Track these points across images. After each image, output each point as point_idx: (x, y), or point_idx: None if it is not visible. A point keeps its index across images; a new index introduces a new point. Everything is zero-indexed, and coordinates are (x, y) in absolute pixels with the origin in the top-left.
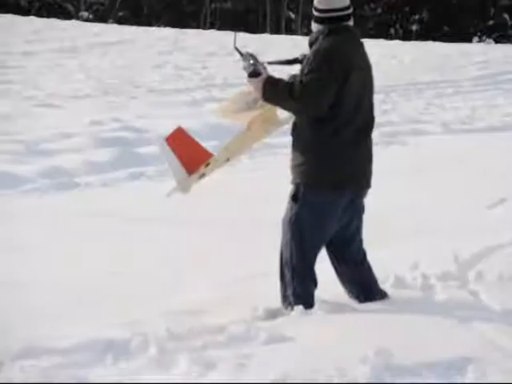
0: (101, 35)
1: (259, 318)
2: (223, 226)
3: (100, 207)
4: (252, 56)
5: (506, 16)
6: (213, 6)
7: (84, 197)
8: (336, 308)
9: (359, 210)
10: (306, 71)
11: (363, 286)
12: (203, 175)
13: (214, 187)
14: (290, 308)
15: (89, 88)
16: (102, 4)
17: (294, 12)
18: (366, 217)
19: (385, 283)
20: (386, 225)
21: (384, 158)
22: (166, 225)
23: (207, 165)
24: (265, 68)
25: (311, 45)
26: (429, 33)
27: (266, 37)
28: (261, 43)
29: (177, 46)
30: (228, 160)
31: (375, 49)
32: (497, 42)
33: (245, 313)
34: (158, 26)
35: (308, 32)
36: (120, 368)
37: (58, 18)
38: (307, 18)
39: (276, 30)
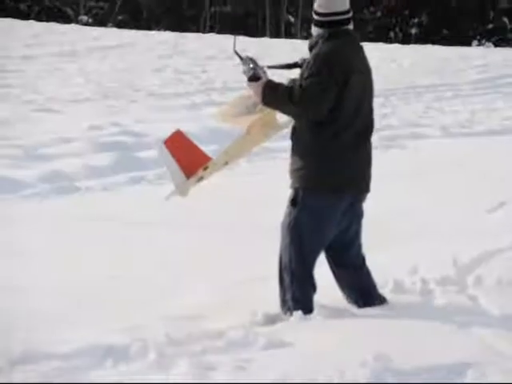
0: (100, 39)
1: (258, 323)
2: (222, 230)
3: (100, 211)
4: (252, 60)
5: (506, 19)
6: (212, 9)
7: (84, 201)
8: (335, 313)
9: (358, 214)
10: (305, 75)
11: (362, 290)
12: (201, 179)
13: (213, 191)
14: (289, 313)
15: (88, 92)
16: (102, 8)
17: (293, 16)
18: (365, 221)
19: (384, 288)
20: (386, 228)
21: (383, 161)
22: (166, 229)
23: (205, 168)
24: (264, 72)
25: (311, 49)
26: (428, 36)
27: (265, 40)
28: (260, 47)
29: (176, 50)
30: (226, 164)
31: (375, 52)
32: (496, 45)
33: (244, 317)
34: (158, 29)
35: (307, 36)
36: (119, 371)
37: (58, 22)
38: (307, 22)
39: (275, 34)
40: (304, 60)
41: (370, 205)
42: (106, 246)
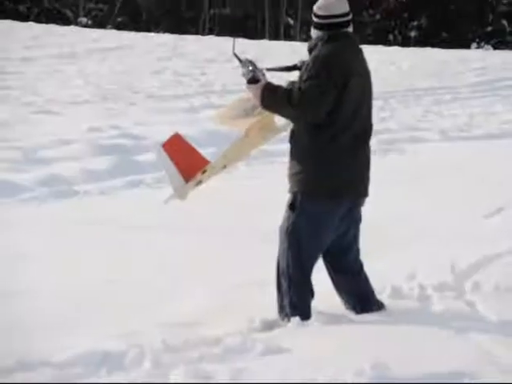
0: (99, 41)
1: (256, 330)
2: (220, 234)
3: (98, 215)
4: (251, 62)
5: (505, 22)
6: (212, 11)
7: (82, 205)
8: (333, 319)
9: (356, 219)
10: (304, 78)
11: (360, 296)
12: (200, 182)
13: (212, 194)
14: (286, 319)
15: (87, 94)
16: (101, 10)
17: (292, 18)
18: (363, 225)
19: (381, 294)
20: (384, 233)
21: (382, 166)
22: (164, 232)
23: (204, 172)
24: (264, 74)
25: (310, 51)
26: (427, 39)
27: (264, 43)
28: (260, 49)
29: (176, 52)
30: (225, 167)
31: (374, 55)
32: (495, 48)
33: (241, 324)
34: (157, 31)
35: (307, 38)
36: (115, 379)
37: (57, 23)
38: (306, 24)
39: (275, 36)
40: (303, 62)
41: (368, 209)
42: (104, 250)
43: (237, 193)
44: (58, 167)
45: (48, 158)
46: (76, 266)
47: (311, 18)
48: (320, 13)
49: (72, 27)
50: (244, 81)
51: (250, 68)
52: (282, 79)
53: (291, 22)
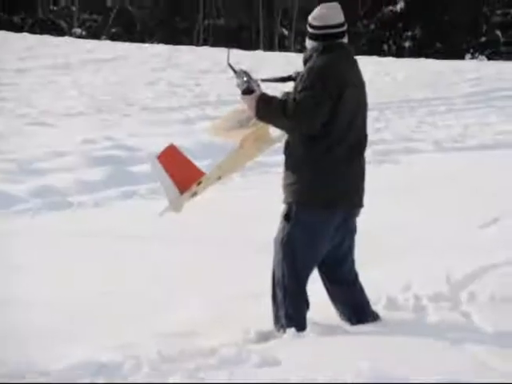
0: (94, 52)
1: (251, 341)
2: (215, 245)
3: (92, 226)
4: (245, 73)
5: (499, 33)
6: (206, 22)
7: (76, 216)
8: (328, 330)
9: (351, 229)
10: (299, 88)
11: (355, 307)
12: (195, 194)
13: (206, 205)
14: (282, 330)
15: (82, 105)
16: (95, 21)
17: (287, 29)
18: (358, 235)
19: (377, 304)
20: (379, 243)
21: (377, 176)
22: (158, 243)
23: (199, 183)
24: (258, 85)
25: (305, 62)
26: (421, 49)
27: (259, 53)
28: (254, 60)
29: (170, 63)
30: (220, 178)
31: (369, 66)
32: (489, 58)
33: (236, 335)
34: (151, 42)
35: (301, 49)
36: None
37: (51, 34)
38: (300, 35)
39: (269, 47)
40: (298, 73)
41: (363, 219)
42: (98, 261)
43: (232, 204)
44: (52, 178)
45: (42, 169)
46: (70, 278)
47: (306, 28)
48: (315, 23)
49: (66, 38)
50: (239, 91)
51: (245, 79)
52: (276, 90)
53: (286, 32)
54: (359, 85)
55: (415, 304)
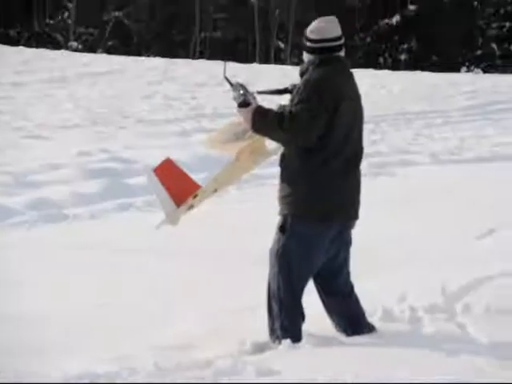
0: (90, 65)
1: (247, 352)
2: (211, 257)
3: (88, 239)
4: (242, 86)
5: (494, 46)
6: (202, 35)
7: (72, 229)
8: (323, 341)
9: (347, 241)
10: (296, 101)
11: (351, 318)
12: (191, 207)
13: (203, 218)
14: (277, 342)
15: (78, 118)
16: (92, 34)
17: (283, 42)
18: (354, 248)
19: (373, 316)
20: (374, 255)
21: (373, 188)
22: (155, 256)
23: (195, 196)
24: (254, 98)
25: (302, 75)
26: (417, 62)
27: (255, 66)
28: (250, 73)
29: (166, 76)
30: (216, 191)
31: (365, 79)
32: (485, 71)
33: (232, 347)
34: (148, 55)
35: (297, 62)
36: None
37: (48, 48)
38: (296, 48)
39: (265, 60)
40: (294, 86)
41: (358, 232)
42: (94, 274)
43: (228, 216)
44: (48, 191)
45: (38, 181)
46: (66, 290)
47: (303, 41)
48: (312, 36)
49: (62, 51)
50: (235, 104)
51: (241, 91)
52: (272, 102)
53: (282, 45)
54: (355, 98)
55: (411, 315)
